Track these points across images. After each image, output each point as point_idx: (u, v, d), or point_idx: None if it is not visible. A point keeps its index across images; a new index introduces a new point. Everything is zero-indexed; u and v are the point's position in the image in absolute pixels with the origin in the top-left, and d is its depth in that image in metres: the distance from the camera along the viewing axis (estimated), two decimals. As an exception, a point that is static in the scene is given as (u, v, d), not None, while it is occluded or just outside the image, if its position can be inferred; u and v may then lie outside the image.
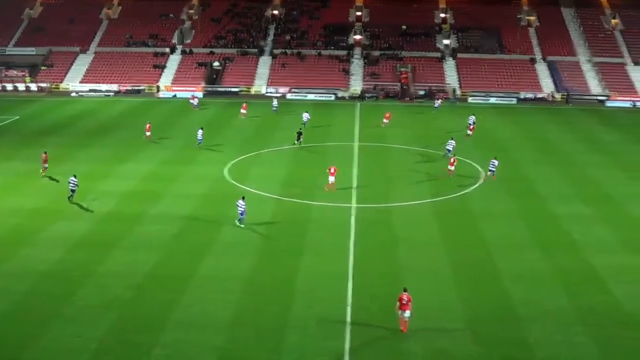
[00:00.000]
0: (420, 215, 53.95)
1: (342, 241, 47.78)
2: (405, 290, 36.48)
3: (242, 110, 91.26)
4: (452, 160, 64.99)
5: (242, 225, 49.85)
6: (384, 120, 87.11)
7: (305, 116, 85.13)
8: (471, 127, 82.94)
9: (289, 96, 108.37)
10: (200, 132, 74.24)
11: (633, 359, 34.28)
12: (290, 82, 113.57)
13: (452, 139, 71.71)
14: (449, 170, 64.03)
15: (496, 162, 64.10)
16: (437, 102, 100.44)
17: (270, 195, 57.22)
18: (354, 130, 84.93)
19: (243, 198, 50.83)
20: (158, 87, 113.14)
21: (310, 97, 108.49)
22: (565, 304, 39.56)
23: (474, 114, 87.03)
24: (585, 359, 34.09)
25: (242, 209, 50.00)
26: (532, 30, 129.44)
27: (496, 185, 61.90)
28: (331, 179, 59.16)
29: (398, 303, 36.15)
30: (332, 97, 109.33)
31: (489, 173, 63.97)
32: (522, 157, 72.07)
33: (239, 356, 33.71)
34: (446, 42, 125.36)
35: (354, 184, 61.13)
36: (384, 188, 60.51)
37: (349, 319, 37.10)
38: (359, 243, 47.62)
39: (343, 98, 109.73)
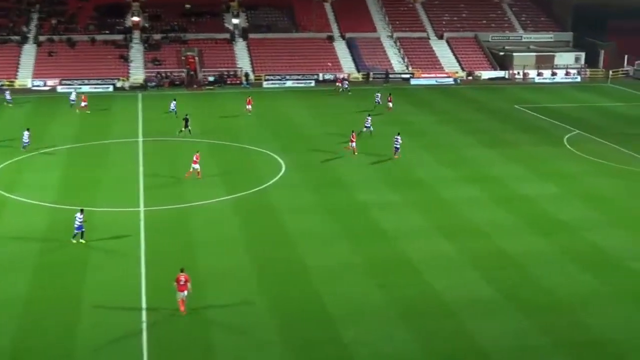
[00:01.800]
0: (218, 214, 54.15)
1: (132, 249, 47.00)
2: (182, 271, 38.88)
3: (83, 103, 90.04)
4: (352, 136, 69.44)
5: (83, 241, 48.01)
6: (247, 107, 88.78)
7: (173, 104, 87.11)
8: (389, 99, 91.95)
9: (59, 89, 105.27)
10: (26, 133, 71.01)
11: (455, 348, 36.01)
12: (60, 73, 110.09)
13: (369, 115, 78.40)
14: (351, 147, 69.21)
15: (400, 139, 68.56)
16: (345, 84, 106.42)
17: (44, 204, 55.64)
18: (138, 124, 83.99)
19: (81, 211, 48.61)
20: None
21: (85, 89, 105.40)
22: (378, 298, 40.97)
23: (378, 92, 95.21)
24: (408, 354, 35.41)
25: (79, 224, 48.03)
26: (328, 6, 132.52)
27: (298, 175, 63.26)
28: (196, 167, 61.38)
29: (175, 284, 38.61)
30: (110, 88, 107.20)
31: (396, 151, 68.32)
32: (323, 144, 74.05)
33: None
34: (235, 21, 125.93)
35: (141, 185, 60.56)
36: (176, 187, 60.18)
37: (145, 337, 36.59)
38: (150, 250, 47.15)
39: (123, 89, 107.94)
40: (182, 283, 38.54)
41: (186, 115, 78.52)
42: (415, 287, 42.59)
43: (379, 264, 45.55)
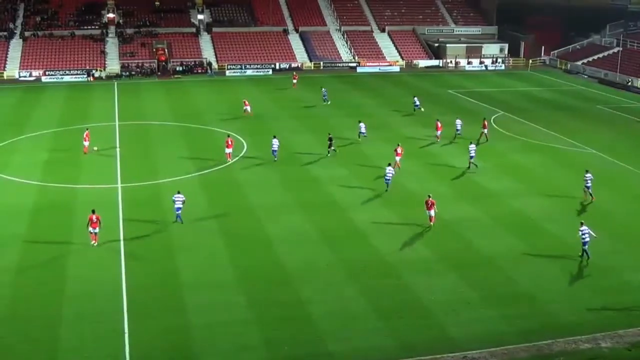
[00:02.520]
0: (188, 189, 53.50)
1: (111, 222, 46.29)
2: (93, 212, 42.60)
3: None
4: (399, 150, 60.53)
5: (181, 222, 46.44)
6: (293, 81, 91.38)
7: None
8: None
9: (44, 79, 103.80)
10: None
11: (395, 302, 36.51)
12: (44, 65, 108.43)
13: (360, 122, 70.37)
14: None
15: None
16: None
17: (31, 182, 54.91)
18: (114, 109, 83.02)
19: (179, 192, 47.24)
20: None
21: (67, 78, 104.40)
22: (333, 261, 41.24)
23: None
24: (356, 310, 35.67)
25: (180, 205, 46.30)
26: (283, 2, 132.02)
27: (258, 154, 62.97)
28: (229, 150, 60.57)
29: (89, 222, 42.48)
30: (90, 78, 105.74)
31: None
32: (280, 125, 73.72)
33: (13, 350, 31.96)
34: (200, 17, 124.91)
35: (118, 164, 59.97)
36: (149, 165, 59.61)
37: (125, 299, 36.44)
38: (128, 222, 46.74)
39: (100, 78, 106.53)
40: (94, 221, 42.45)
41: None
42: (362, 250, 42.93)
43: (330, 231, 45.75)
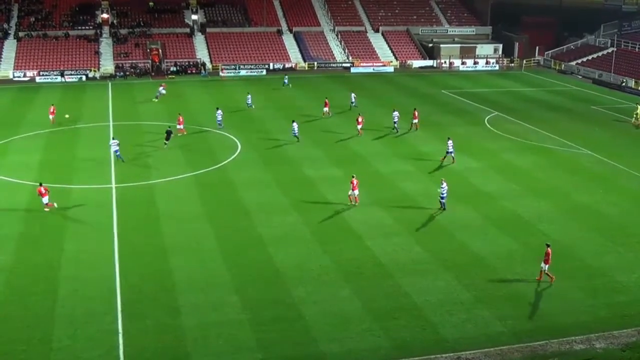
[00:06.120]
0: (182, 189, 53.71)
1: (105, 222, 46.42)
2: (40, 185, 47.40)
3: (162, 90, 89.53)
4: (359, 119, 70.15)
5: (123, 160, 58.70)
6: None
7: (249, 98, 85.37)
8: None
9: (38, 79, 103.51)
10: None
11: (389, 302, 36.42)
12: (38, 65, 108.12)
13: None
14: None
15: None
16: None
17: (25, 182, 54.72)
18: (108, 109, 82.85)
19: (113, 138, 60.27)
20: None
21: (61, 79, 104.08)
22: (326, 261, 41.14)
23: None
24: (350, 311, 35.58)
25: (116, 147, 59.19)
26: (277, 3, 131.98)
27: (252, 154, 63.01)
28: (180, 127, 67.91)
29: (39, 194, 47.40)
30: (83, 78, 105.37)
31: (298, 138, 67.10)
32: (273, 126, 73.85)
33: (5, 350, 32.02)
34: (194, 17, 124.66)
35: (112, 164, 59.76)
36: (144, 165, 59.55)
37: (118, 299, 36.30)
38: (122, 223, 46.56)
39: (94, 78, 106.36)
40: (43, 192, 47.90)
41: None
42: (357, 251, 42.77)
43: (324, 231, 45.64)
